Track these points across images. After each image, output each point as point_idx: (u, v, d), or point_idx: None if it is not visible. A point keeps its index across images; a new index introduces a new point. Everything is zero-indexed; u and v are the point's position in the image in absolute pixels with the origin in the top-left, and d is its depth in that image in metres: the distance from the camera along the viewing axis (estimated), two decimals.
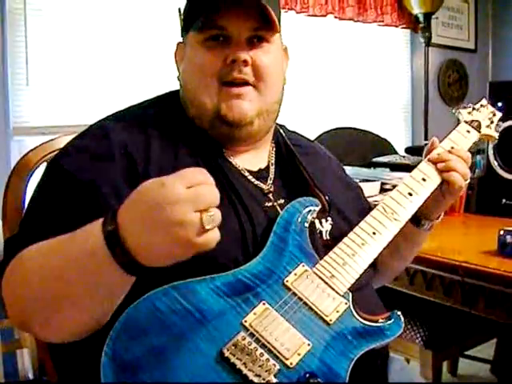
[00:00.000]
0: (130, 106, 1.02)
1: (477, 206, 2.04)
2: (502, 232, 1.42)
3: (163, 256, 0.70)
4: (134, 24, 2.78)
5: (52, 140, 1.16)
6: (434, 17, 3.57)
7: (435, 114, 3.73)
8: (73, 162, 0.90)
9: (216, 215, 0.70)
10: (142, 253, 0.69)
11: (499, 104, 2.02)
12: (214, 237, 0.70)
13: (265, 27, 0.94)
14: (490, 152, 2.01)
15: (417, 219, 1.10)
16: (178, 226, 0.67)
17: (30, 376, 1.98)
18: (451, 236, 1.71)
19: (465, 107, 1.17)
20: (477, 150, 2.26)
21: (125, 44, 2.74)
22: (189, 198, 0.68)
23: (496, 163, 2.01)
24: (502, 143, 1.99)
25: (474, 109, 1.17)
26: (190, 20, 0.97)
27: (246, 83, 0.94)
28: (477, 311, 1.43)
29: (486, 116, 1.17)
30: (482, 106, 1.18)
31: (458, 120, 1.16)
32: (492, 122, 1.17)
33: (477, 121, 1.15)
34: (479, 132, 1.14)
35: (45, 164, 1.13)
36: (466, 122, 1.14)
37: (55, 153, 1.13)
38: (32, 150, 1.15)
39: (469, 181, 1.07)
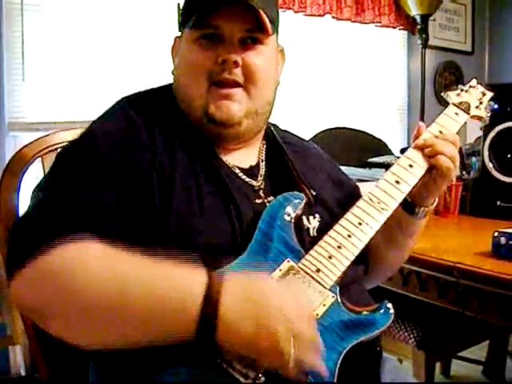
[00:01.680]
0: (132, 95, 1.01)
1: (471, 208, 2.04)
2: (496, 233, 1.42)
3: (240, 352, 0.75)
4: (130, 20, 2.77)
5: (47, 135, 1.15)
6: (431, 19, 3.57)
7: (431, 115, 3.72)
8: (105, 145, 0.89)
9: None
10: (225, 339, 0.73)
11: (495, 106, 2.02)
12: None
13: (258, 29, 0.94)
14: (486, 154, 2.01)
15: (410, 207, 1.05)
16: (276, 352, 0.73)
17: (23, 373, 1.98)
18: (446, 237, 1.71)
19: (453, 89, 1.13)
20: (472, 151, 2.26)
21: (121, 40, 2.74)
22: (311, 341, 0.75)
23: (491, 165, 2.00)
24: (497, 145, 1.99)
25: (462, 90, 1.13)
26: (186, 17, 0.97)
27: (235, 84, 0.94)
28: (470, 312, 1.43)
29: (475, 97, 1.13)
30: (471, 86, 1.15)
31: (447, 103, 1.12)
32: (481, 103, 1.13)
33: (466, 102, 1.11)
34: (468, 114, 1.10)
35: (40, 160, 1.12)
36: (455, 105, 1.10)
37: (50, 148, 1.13)
38: (27, 146, 1.14)
39: (458, 164, 1.02)
